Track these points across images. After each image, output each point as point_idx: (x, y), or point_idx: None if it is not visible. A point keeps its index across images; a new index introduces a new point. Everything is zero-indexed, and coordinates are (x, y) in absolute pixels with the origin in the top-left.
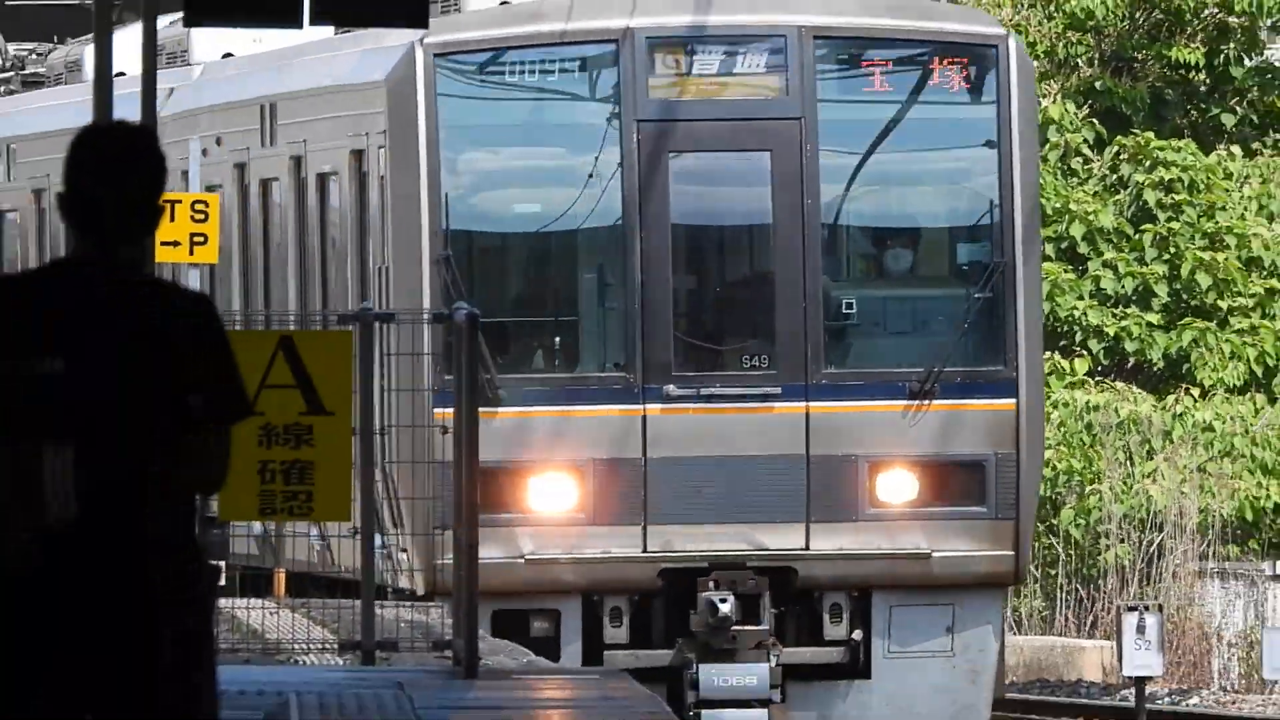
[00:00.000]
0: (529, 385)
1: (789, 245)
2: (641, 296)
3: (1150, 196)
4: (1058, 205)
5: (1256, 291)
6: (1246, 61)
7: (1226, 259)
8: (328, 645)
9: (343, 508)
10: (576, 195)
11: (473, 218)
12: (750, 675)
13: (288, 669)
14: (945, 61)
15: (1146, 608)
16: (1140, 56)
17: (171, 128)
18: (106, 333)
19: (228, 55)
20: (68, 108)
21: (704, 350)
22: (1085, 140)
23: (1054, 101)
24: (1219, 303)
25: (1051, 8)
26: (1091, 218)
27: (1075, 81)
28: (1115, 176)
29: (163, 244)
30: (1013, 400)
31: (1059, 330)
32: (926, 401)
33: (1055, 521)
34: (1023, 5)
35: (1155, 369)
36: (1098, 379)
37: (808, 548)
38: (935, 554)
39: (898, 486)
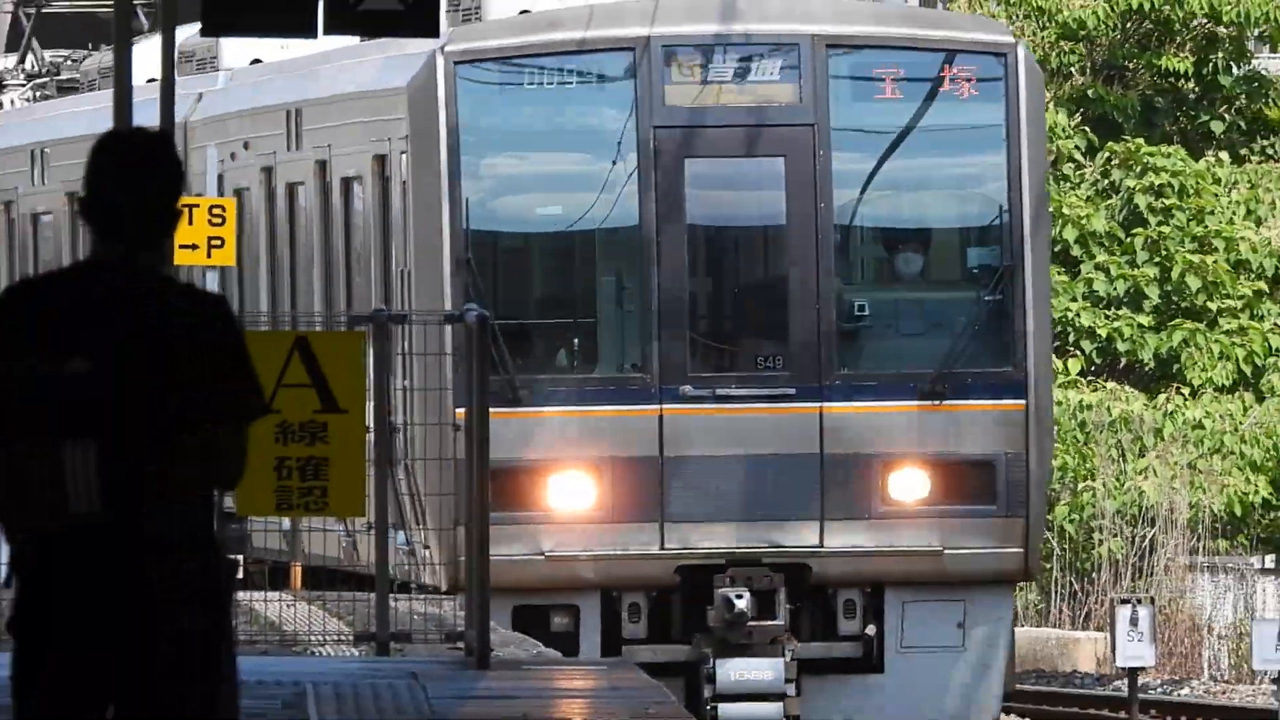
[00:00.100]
0: (549, 385)
1: (802, 248)
2: (658, 299)
3: (1141, 201)
4: (1051, 210)
5: (1245, 293)
6: (1234, 70)
7: (1215, 262)
8: (343, 637)
9: (356, 503)
10: (594, 199)
11: (492, 221)
12: (766, 670)
13: (304, 660)
14: (955, 68)
15: (1139, 601)
16: (1131, 65)
17: (201, 132)
18: (104, 332)
19: (256, 61)
20: (99, 113)
21: (720, 351)
22: (1077, 147)
23: (1047, 110)
24: (1208, 304)
25: (1044, 18)
26: (1084, 222)
27: (1068, 90)
28: (1107, 182)
29: (181, 247)
30: (1022, 400)
31: (1053, 331)
32: (938, 402)
33: (1050, 517)
34: (1017, 16)
35: (1146, 369)
36: (1090, 379)
37: (822, 545)
38: (947, 551)
39: (910, 485)
